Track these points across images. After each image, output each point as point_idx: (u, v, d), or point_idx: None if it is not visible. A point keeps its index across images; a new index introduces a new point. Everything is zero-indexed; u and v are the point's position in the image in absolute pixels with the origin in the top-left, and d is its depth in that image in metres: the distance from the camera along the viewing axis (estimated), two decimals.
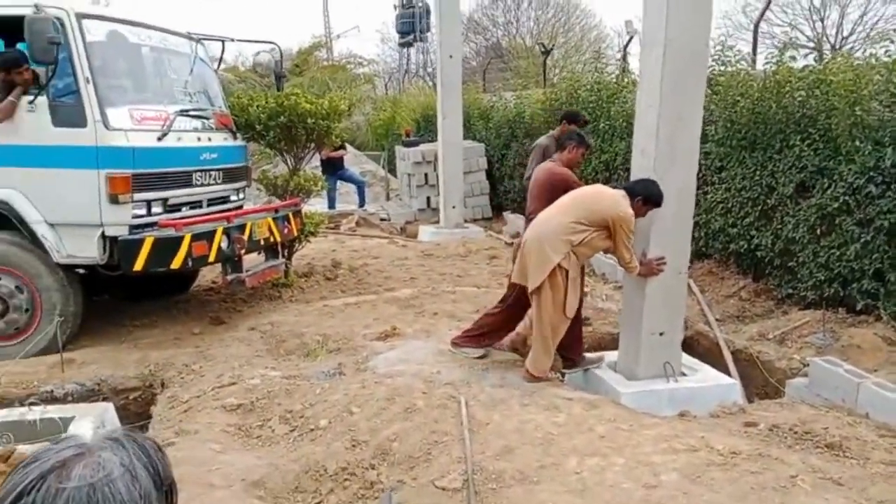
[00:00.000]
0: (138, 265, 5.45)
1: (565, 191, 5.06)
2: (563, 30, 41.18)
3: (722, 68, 7.58)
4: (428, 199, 13.18)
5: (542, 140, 6.78)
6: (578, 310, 4.88)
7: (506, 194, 12.86)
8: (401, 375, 4.82)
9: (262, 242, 6.54)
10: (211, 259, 5.78)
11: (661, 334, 4.85)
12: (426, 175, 13.10)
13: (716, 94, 7.49)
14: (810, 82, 6.39)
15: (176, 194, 6.02)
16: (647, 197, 4.57)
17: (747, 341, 6.09)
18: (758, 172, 6.91)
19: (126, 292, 7.04)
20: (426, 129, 16.05)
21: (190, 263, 5.55)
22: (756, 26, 8.06)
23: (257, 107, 7.15)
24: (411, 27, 25.16)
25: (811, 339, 5.78)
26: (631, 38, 10.80)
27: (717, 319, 6.68)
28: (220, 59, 7.36)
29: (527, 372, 4.84)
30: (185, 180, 6.12)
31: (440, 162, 11.45)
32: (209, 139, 6.44)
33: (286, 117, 7.13)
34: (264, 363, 5.44)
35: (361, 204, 13.06)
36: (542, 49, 13.49)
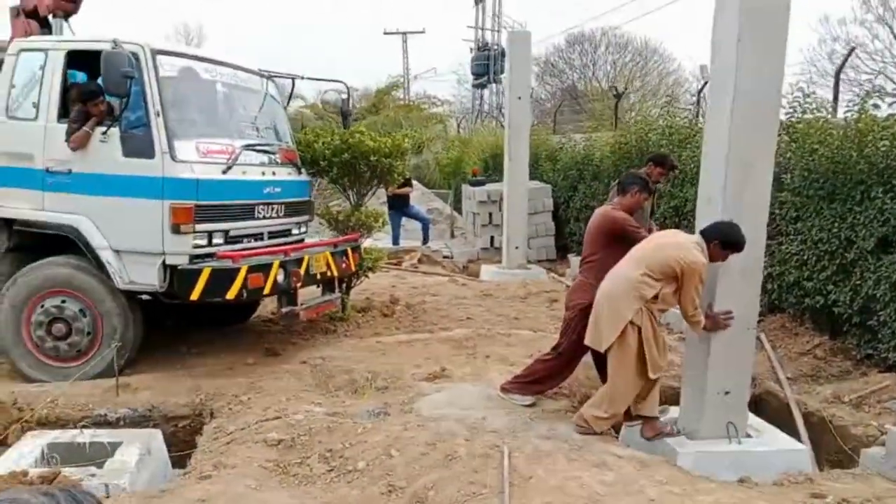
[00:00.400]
0: (195, 294, 5.53)
1: (621, 237, 4.87)
2: (641, 74, 40.87)
3: (800, 115, 7.26)
4: (491, 238, 13.09)
5: None
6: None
7: (571, 236, 12.64)
8: (445, 420, 4.69)
9: (319, 276, 6.57)
10: (266, 291, 5.82)
11: (726, 393, 4.57)
12: (490, 214, 13.04)
13: (794, 141, 7.17)
14: (894, 131, 6.03)
15: (237, 226, 6.13)
16: (725, 240, 4.34)
17: (820, 403, 5.69)
18: (836, 224, 6.53)
19: (188, 320, 7.16)
20: (493, 168, 16.00)
21: (245, 295, 5.60)
22: (838, 73, 7.72)
23: (322, 143, 7.25)
24: (485, 69, 25.48)
25: (891, 405, 5.34)
26: (706, 82, 10.51)
27: (788, 378, 6.28)
28: (290, 96, 7.54)
29: (581, 419, 4.64)
30: (247, 213, 6.23)
31: (505, 202, 11.37)
32: (273, 173, 6.56)
33: (349, 154, 7.21)
34: (311, 398, 5.40)
35: (425, 241, 13.08)
36: (615, 93, 13.34)
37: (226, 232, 6.04)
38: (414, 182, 17.93)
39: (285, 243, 6.74)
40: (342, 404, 5.25)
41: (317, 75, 7.36)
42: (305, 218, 7.27)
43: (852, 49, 7.67)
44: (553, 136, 14.74)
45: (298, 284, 6.16)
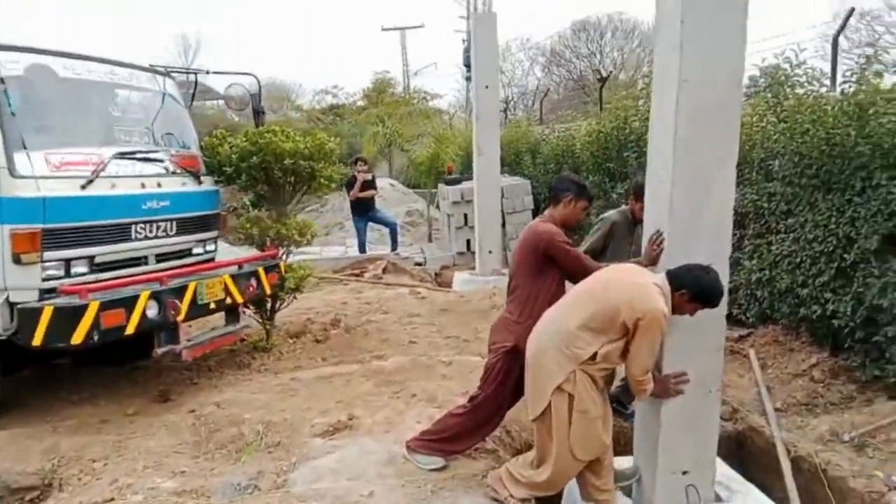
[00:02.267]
0: (37, 339, 4.54)
1: (551, 260, 3.78)
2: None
3: (789, 90, 6.11)
4: (468, 241, 11.98)
5: (612, 215, 4.97)
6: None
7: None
8: (320, 499, 3.64)
9: (214, 305, 5.54)
10: (130, 330, 4.79)
11: (683, 473, 3.49)
12: (465, 216, 11.92)
13: (782, 121, 6.03)
14: None
15: (107, 251, 5.13)
16: (698, 292, 3.27)
17: (814, 443, 4.59)
18: (833, 219, 5.39)
19: (87, 358, 6.16)
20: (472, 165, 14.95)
21: (96, 337, 4.58)
22: (836, 39, 6.55)
23: (229, 146, 6.23)
24: None
25: None
26: None
27: (777, 409, 5.16)
28: (194, 95, 6.51)
29: (498, 481, 3.64)
30: (120, 234, 5.22)
31: (475, 202, 10.29)
32: (159, 185, 5.54)
33: (260, 157, 6.17)
34: (179, 463, 4.38)
35: (394, 247, 12.02)
36: (599, 77, 12.17)
37: (90, 259, 5.05)
38: (394, 183, 16.93)
39: (185, 265, 5.75)
40: (210, 472, 4.22)
41: (212, 69, 6.33)
42: (212, 234, 6.25)
43: (851, 10, 6.47)
44: (536, 128, 13.61)
45: (179, 318, 5.12)
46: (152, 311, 4.95)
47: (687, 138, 3.35)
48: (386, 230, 12.25)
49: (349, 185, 11.55)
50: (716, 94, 3.34)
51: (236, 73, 6.37)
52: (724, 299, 3.43)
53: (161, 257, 5.64)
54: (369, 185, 11.55)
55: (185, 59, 45.68)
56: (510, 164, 13.16)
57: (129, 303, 4.78)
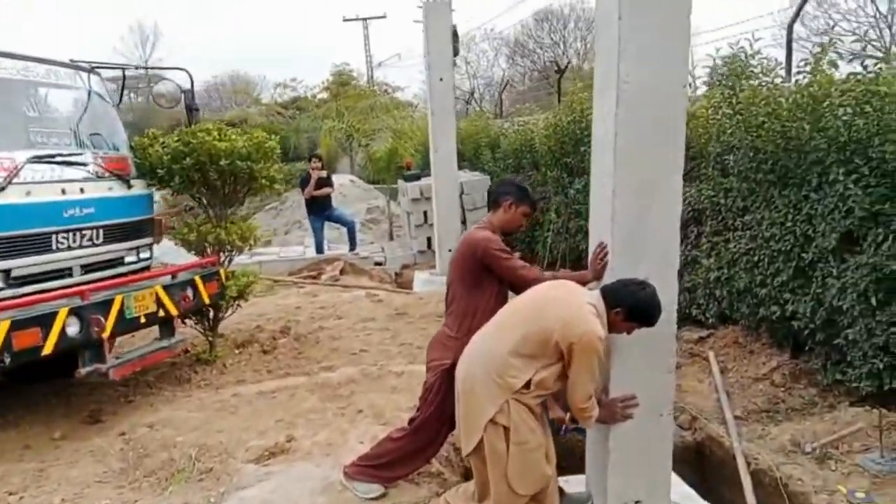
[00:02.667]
0: None
1: (487, 271, 3.51)
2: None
3: (744, 81, 5.92)
4: (428, 239, 11.69)
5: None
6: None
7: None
8: None
9: (145, 319, 5.19)
10: (47, 350, 4.41)
11: (636, 503, 3.26)
12: (425, 213, 11.62)
13: (737, 113, 5.84)
14: (857, 95, 4.70)
15: (23, 264, 4.75)
16: (633, 310, 3.03)
17: (775, 454, 4.40)
18: (790, 216, 5.22)
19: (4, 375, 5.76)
20: None
21: (7, 360, 4.21)
22: (790, 27, 6.38)
23: (160, 147, 5.86)
24: None
25: (864, 462, 4.05)
26: None
27: (737, 417, 4.98)
28: (122, 90, 6.13)
29: None
30: (38, 245, 4.85)
31: (433, 199, 10.02)
32: (81, 190, 5.17)
33: (193, 158, 5.81)
34: (101, 495, 4.05)
35: (352, 247, 11.68)
36: (557, 69, 11.94)
37: (5, 273, 4.67)
38: (354, 179, 16.55)
39: (116, 275, 5.39)
40: None
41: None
42: (145, 241, 5.89)
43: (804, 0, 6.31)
44: (495, 122, 13.35)
45: (104, 335, 4.77)
46: (73, 329, 4.59)
47: (628, 145, 3.12)
48: (344, 229, 11.90)
49: (304, 182, 11.19)
50: (658, 97, 3.12)
51: (168, 69, 6.01)
52: (670, 317, 3.21)
53: (88, 268, 5.28)
54: (325, 182, 11.20)
55: (142, 52, 44.65)
56: (470, 158, 12.92)
57: (45, 320, 4.40)
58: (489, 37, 41.96)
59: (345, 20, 38.67)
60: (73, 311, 4.60)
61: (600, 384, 3.22)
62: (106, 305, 4.84)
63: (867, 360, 4.57)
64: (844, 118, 4.71)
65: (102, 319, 4.73)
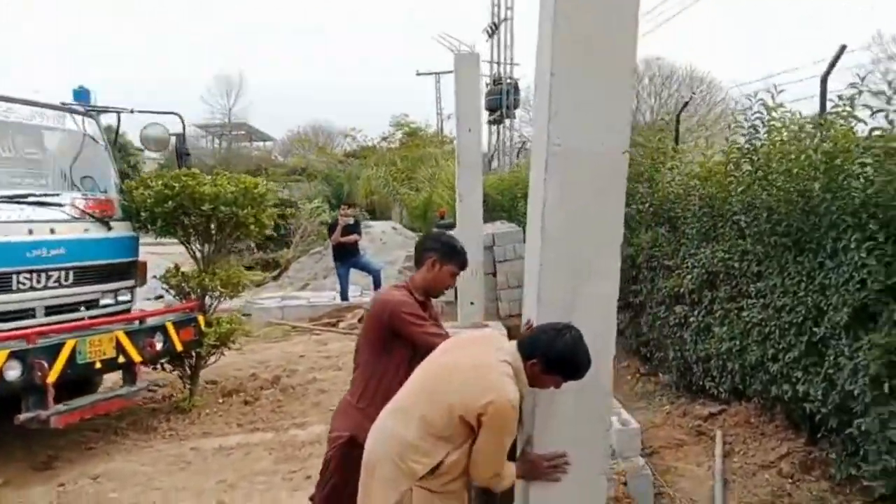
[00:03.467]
0: None
1: (396, 336, 3.12)
2: (681, 103, 38.78)
3: (765, 136, 5.38)
4: (455, 290, 11.30)
5: None
6: None
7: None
8: None
9: (101, 365, 5.00)
10: None
11: None
12: None
13: (757, 170, 5.29)
14: (878, 152, 4.12)
15: None
16: (549, 360, 2.58)
17: None
18: (803, 285, 4.61)
19: None
20: None
21: None
22: (824, 80, 5.81)
23: (144, 190, 5.76)
24: (498, 103, 23.89)
25: None
26: (686, 104, 8.74)
27: None
28: (117, 133, 6.10)
29: None
30: None
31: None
32: (51, 231, 5.08)
33: (175, 202, 5.68)
34: None
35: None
36: None
37: None
38: (396, 226, 16.41)
39: (80, 319, 5.26)
40: None
41: (136, 107, 5.88)
42: (125, 284, 5.77)
43: (842, 48, 5.75)
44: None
45: (48, 381, 4.58)
46: (13, 373, 4.44)
47: (557, 217, 2.74)
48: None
49: (331, 229, 11.07)
50: (595, 164, 2.73)
51: (159, 113, 5.93)
52: (608, 368, 2.76)
53: (55, 310, 5.16)
54: (352, 229, 11.04)
55: (227, 100, 46.64)
56: (507, 209, 12.57)
57: None
58: None
59: (418, 74, 39.32)
60: (15, 355, 4.44)
61: (523, 437, 2.78)
62: (54, 350, 4.68)
63: (880, 456, 3.89)
64: (862, 178, 4.13)
65: (45, 364, 4.55)
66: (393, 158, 17.55)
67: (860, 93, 4.83)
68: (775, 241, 4.97)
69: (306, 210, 17.33)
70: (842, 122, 4.43)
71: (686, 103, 8.56)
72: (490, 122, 27.26)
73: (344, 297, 11.20)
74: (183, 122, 6.11)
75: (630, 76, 2.77)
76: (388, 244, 15.29)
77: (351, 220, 11.05)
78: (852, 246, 4.08)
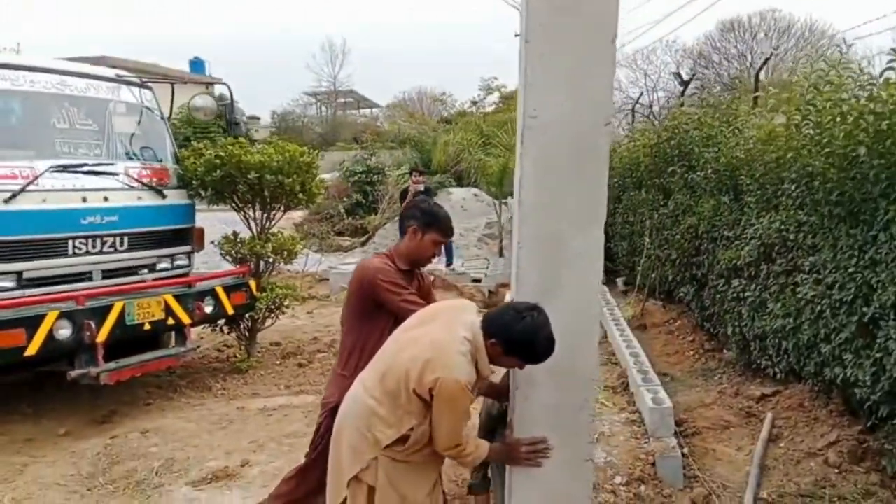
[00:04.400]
0: None
1: (379, 306, 3.09)
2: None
3: (829, 95, 4.92)
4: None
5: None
6: None
7: (612, 258, 10.43)
8: None
9: (150, 326, 5.28)
10: (32, 351, 4.59)
11: None
12: None
13: (818, 125, 4.85)
14: None
15: (37, 266, 5.01)
16: (507, 342, 2.52)
17: None
18: (854, 260, 4.22)
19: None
20: None
21: None
22: None
23: (195, 160, 5.98)
24: None
25: None
26: (767, 59, 8.15)
27: (761, 499, 4.09)
28: (172, 104, 6.34)
29: None
30: (54, 249, 5.10)
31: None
32: (105, 199, 5.37)
33: (223, 171, 5.87)
34: (45, 499, 4.12)
35: (449, 262, 11.41)
36: (680, 80, 10.92)
37: (18, 274, 4.94)
38: (478, 193, 16.29)
39: (137, 282, 5.58)
40: None
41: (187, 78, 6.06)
42: (182, 249, 6.04)
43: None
44: (620, 138, 12.50)
45: (98, 340, 4.89)
46: (64, 332, 4.75)
47: (534, 192, 2.62)
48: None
49: (403, 196, 11.13)
50: (573, 136, 2.58)
51: (210, 82, 6.11)
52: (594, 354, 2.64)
53: (110, 273, 5.48)
54: (424, 196, 11.05)
55: (332, 68, 47.51)
56: None
57: (30, 322, 4.59)
58: (670, 49, 40.00)
59: (516, 36, 38.59)
60: (65, 315, 4.76)
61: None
62: (103, 311, 4.98)
63: None
64: None
65: (93, 325, 4.85)
66: (479, 123, 17.31)
67: None
68: (829, 210, 4.58)
69: (393, 177, 17.50)
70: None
71: (767, 59, 7.95)
72: None
73: None
74: (231, 92, 6.27)
75: (611, 43, 2.57)
76: (468, 211, 15.25)
77: (422, 187, 11.06)
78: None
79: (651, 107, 38.42)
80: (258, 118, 43.35)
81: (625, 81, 33.88)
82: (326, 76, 47.75)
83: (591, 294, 2.76)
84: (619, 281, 10.34)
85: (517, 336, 2.48)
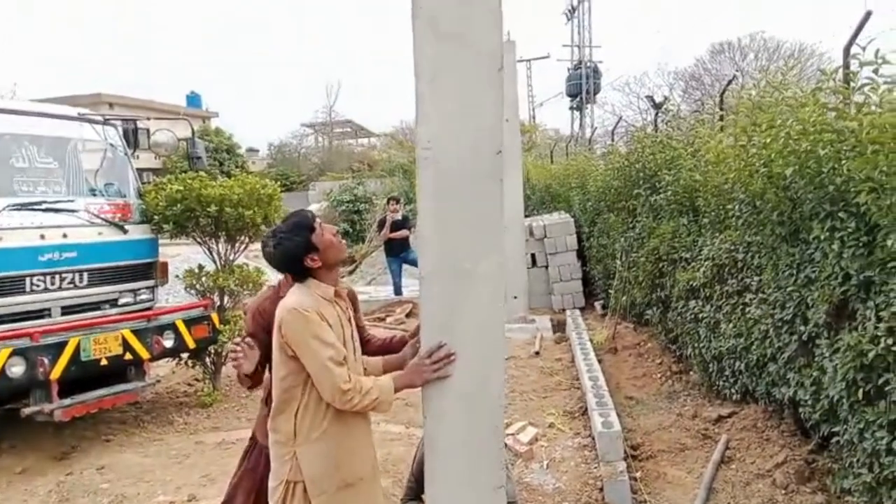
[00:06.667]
0: None
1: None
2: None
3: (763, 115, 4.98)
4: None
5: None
6: None
7: (590, 282, 10.44)
8: None
9: (107, 361, 5.31)
10: None
11: None
12: (533, 255, 11.11)
13: (762, 147, 4.90)
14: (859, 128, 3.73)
15: None
16: (287, 264, 2.69)
17: None
18: (793, 279, 4.26)
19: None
20: (540, 202, 14.13)
21: None
22: (846, 51, 5.34)
23: (157, 194, 6.06)
24: (578, 88, 23.32)
25: None
26: (730, 80, 8.25)
27: None
28: (136, 142, 6.42)
29: None
30: (10, 287, 5.15)
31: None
32: (64, 235, 5.44)
33: (183, 205, 5.94)
34: None
35: (398, 291, 11.41)
36: (653, 103, 11.01)
37: None
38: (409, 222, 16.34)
39: (91, 318, 5.60)
40: None
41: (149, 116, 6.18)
42: (144, 284, 6.09)
43: (867, 14, 5.24)
44: (595, 159, 12.56)
45: (52, 377, 4.92)
46: (17, 370, 4.79)
47: (431, 223, 2.62)
48: None
49: (381, 225, 11.20)
50: (466, 166, 2.60)
51: (171, 118, 6.21)
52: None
53: (69, 309, 5.52)
54: (401, 225, 11.12)
55: (328, 100, 47.91)
56: (565, 199, 12.29)
57: None
58: (663, 72, 40.43)
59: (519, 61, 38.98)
60: (18, 352, 4.79)
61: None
62: (58, 347, 5.01)
63: (868, 466, 3.54)
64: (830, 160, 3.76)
65: (47, 361, 4.88)
66: None
67: (848, 66, 4.44)
68: (772, 230, 4.63)
69: (381, 206, 17.61)
70: (826, 98, 4.04)
71: (730, 81, 7.99)
72: (570, 109, 26.69)
73: (397, 291, 11.31)
74: (192, 128, 6.35)
75: (498, 72, 2.62)
76: None
77: (398, 216, 11.13)
78: (824, 228, 3.75)
79: (645, 129, 38.78)
80: (256, 150, 43.60)
81: (619, 105, 34.31)
82: (323, 107, 48.19)
83: (495, 321, 2.76)
84: (598, 304, 10.35)
85: (284, 256, 2.62)
